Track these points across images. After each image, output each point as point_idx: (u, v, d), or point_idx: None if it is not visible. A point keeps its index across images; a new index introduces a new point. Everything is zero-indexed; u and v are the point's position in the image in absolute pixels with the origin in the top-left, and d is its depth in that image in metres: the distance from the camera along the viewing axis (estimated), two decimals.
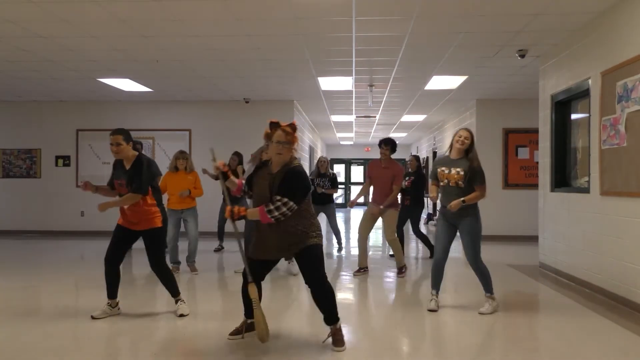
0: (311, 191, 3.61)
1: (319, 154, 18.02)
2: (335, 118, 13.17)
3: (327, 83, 8.58)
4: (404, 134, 17.28)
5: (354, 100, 10.29)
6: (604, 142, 5.01)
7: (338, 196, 7.95)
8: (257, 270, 3.60)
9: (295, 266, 6.06)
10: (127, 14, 5.22)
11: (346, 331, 3.82)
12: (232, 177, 3.70)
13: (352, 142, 21.02)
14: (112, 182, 4.35)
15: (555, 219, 6.33)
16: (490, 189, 7.37)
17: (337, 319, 3.55)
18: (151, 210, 4.25)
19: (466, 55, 6.77)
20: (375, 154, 6.34)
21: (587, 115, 5.50)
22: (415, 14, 5.22)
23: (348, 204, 6.39)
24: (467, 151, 4.44)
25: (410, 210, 7.56)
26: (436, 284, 4.62)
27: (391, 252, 7.97)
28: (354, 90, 9.18)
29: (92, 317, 4.19)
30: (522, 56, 6.59)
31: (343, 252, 8.25)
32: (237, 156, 7.92)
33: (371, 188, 6.30)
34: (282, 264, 6.06)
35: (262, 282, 3.71)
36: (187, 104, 10.53)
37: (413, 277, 6.39)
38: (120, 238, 4.30)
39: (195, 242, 6.40)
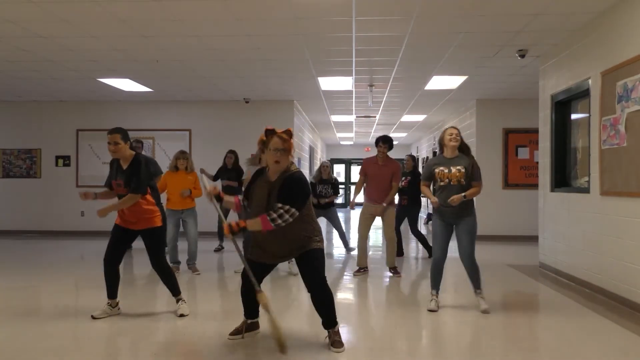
0: (313, 199, 3.60)
1: (319, 154, 18.03)
2: (335, 118, 13.17)
3: (327, 83, 8.58)
4: (404, 134, 17.28)
5: (354, 100, 10.30)
6: (604, 142, 5.01)
7: (338, 196, 7.92)
8: (256, 271, 3.59)
9: (295, 266, 6.06)
10: (127, 14, 5.22)
11: (346, 331, 3.83)
12: (227, 197, 3.62)
13: (352, 142, 21.03)
14: (109, 182, 4.32)
15: (555, 219, 6.33)
16: (490, 189, 7.45)
17: (336, 323, 3.55)
18: (150, 209, 4.25)
19: (466, 55, 6.77)
20: (375, 154, 6.31)
21: (587, 115, 5.50)
22: (415, 14, 5.22)
23: (349, 205, 6.36)
24: (460, 148, 4.50)
25: (408, 210, 7.56)
26: (436, 284, 4.62)
27: None
28: (354, 90, 9.18)
29: (92, 317, 4.19)
30: (522, 56, 6.59)
31: (344, 252, 8.24)
32: (233, 154, 7.91)
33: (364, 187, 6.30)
34: (282, 264, 6.06)
35: (261, 284, 3.71)
36: (187, 104, 10.54)
37: (412, 277, 6.39)
38: (118, 238, 4.30)
39: (195, 244, 6.39)
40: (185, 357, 3.53)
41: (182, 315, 4.27)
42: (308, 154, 14.05)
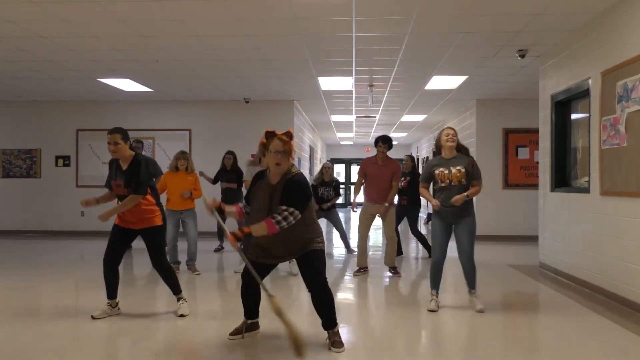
0: (314, 205, 3.59)
1: (319, 154, 18.03)
2: (335, 118, 13.17)
3: (327, 83, 8.58)
4: (404, 134, 17.28)
5: (354, 100, 10.30)
6: (604, 142, 5.01)
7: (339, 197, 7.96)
8: (257, 271, 3.59)
9: (295, 266, 6.06)
10: (127, 14, 5.22)
11: (346, 331, 3.83)
12: (228, 208, 3.59)
13: (352, 142, 21.03)
14: (109, 183, 4.30)
15: (555, 219, 6.33)
16: (490, 189, 7.46)
17: (336, 324, 3.55)
18: (150, 209, 4.25)
19: (466, 55, 6.77)
20: (375, 154, 6.30)
21: (587, 115, 5.50)
22: (415, 14, 5.22)
23: (351, 207, 6.33)
24: (457, 148, 4.52)
25: (408, 210, 7.56)
26: (436, 284, 4.62)
27: None
28: (354, 90, 9.18)
29: (92, 317, 4.18)
30: (522, 56, 6.59)
31: (344, 252, 8.24)
32: (232, 155, 7.90)
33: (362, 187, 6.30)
34: (283, 264, 6.05)
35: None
36: (187, 104, 10.54)
37: (412, 277, 6.39)
38: (118, 238, 4.29)
39: (194, 244, 6.39)
40: (185, 357, 3.53)
41: (182, 316, 4.27)
42: (308, 154, 14.05)
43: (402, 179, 7.36)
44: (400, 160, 7.75)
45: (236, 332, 3.72)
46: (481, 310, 4.43)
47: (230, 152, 7.94)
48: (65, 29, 5.69)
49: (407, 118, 12.96)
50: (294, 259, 3.56)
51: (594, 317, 4.41)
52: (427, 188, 4.66)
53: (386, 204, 6.08)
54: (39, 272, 6.53)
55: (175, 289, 4.40)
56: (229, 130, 10.42)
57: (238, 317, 3.91)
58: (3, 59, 7.11)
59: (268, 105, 10.35)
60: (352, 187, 7.51)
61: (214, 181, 7.91)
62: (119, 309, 4.37)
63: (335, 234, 10.63)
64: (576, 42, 5.73)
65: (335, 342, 3.46)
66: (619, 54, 4.77)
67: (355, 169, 23.26)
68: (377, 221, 6.54)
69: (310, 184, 7.48)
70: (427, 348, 3.79)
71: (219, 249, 8.23)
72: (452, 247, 4.59)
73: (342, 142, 21.20)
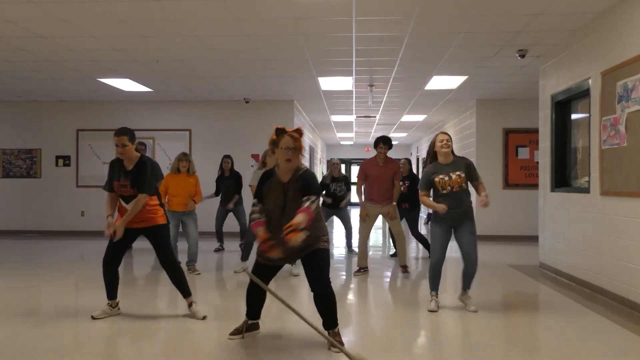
0: (327, 199, 3.60)
1: (319, 154, 18.03)
2: (335, 118, 13.17)
3: (327, 83, 8.58)
4: (404, 134, 17.28)
5: (354, 100, 10.30)
6: (604, 142, 5.01)
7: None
8: (265, 274, 3.59)
9: (296, 267, 6.06)
10: (127, 14, 5.22)
11: (346, 331, 3.82)
12: (262, 252, 3.47)
13: (352, 142, 21.03)
14: (110, 184, 4.25)
15: (556, 219, 6.33)
16: (490, 189, 7.43)
17: (336, 324, 3.55)
18: (155, 208, 4.24)
19: (466, 55, 6.77)
20: (375, 154, 6.30)
21: (587, 115, 5.50)
22: (415, 14, 5.22)
23: (360, 216, 6.28)
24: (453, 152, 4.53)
25: (408, 212, 7.56)
26: (435, 285, 4.62)
27: (391, 252, 8.00)
28: (354, 90, 9.18)
29: (92, 317, 4.18)
30: (522, 56, 6.59)
31: (344, 252, 8.24)
32: (230, 159, 7.89)
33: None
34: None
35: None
36: (187, 104, 10.54)
37: (413, 277, 6.38)
38: (120, 240, 4.25)
39: (195, 245, 6.38)
40: (185, 357, 3.52)
41: (204, 317, 4.18)
42: (308, 154, 14.05)
43: (401, 183, 7.36)
44: (398, 159, 7.74)
45: (236, 332, 3.72)
46: (474, 311, 4.44)
47: (228, 156, 7.90)
48: (65, 29, 5.69)
49: (407, 118, 12.96)
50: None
51: (594, 317, 4.41)
52: (428, 196, 4.60)
53: (394, 203, 6.12)
54: (39, 272, 6.53)
55: (185, 291, 4.32)
56: (229, 130, 10.42)
57: (238, 317, 3.91)
58: (3, 59, 7.11)
59: (268, 105, 10.35)
60: (353, 187, 7.51)
61: (216, 192, 7.89)
62: (119, 309, 4.36)
63: (336, 234, 10.64)
64: (576, 42, 5.73)
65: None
66: (619, 54, 4.77)
67: (355, 169, 23.27)
68: (377, 221, 6.52)
69: (321, 182, 7.51)
70: (427, 348, 3.79)
71: (219, 249, 8.23)
72: (450, 248, 4.59)
73: (342, 142, 21.20)
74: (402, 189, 7.19)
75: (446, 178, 4.40)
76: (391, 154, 6.35)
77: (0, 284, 5.74)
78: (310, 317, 4.21)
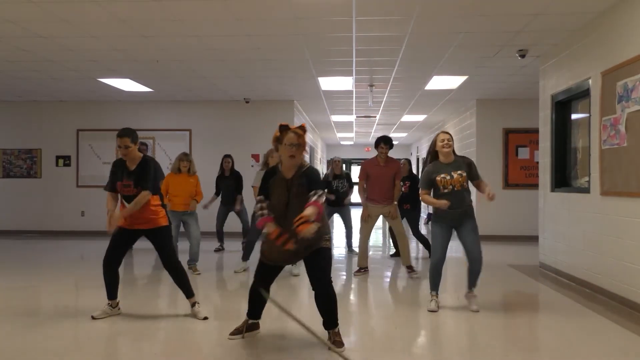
0: (330, 196, 3.60)
1: (319, 154, 18.03)
2: (335, 118, 13.17)
3: (327, 83, 8.58)
4: (404, 134, 17.28)
5: (354, 100, 10.30)
6: (604, 142, 5.01)
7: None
8: (269, 274, 3.61)
9: (296, 267, 6.06)
10: (127, 14, 5.22)
11: (346, 331, 3.82)
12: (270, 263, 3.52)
13: (352, 142, 21.03)
14: (113, 184, 4.24)
15: (556, 219, 6.33)
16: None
17: (337, 324, 3.55)
18: (157, 209, 4.24)
19: (466, 55, 6.77)
20: (375, 154, 6.30)
21: (588, 115, 5.50)
22: (415, 14, 5.22)
23: (362, 218, 6.26)
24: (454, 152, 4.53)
25: (409, 213, 7.56)
26: (435, 285, 4.62)
27: (391, 253, 8.00)
28: (354, 90, 9.18)
29: (93, 318, 4.18)
30: (522, 56, 6.59)
31: (344, 252, 8.24)
32: (230, 158, 7.91)
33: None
34: None
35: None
36: (187, 104, 10.54)
37: (413, 277, 6.38)
38: (120, 240, 4.26)
39: (197, 244, 6.38)
40: (186, 357, 3.53)
41: (205, 318, 4.18)
42: (308, 154, 14.05)
43: (402, 183, 7.36)
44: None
45: (237, 331, 3.72)
46: (476, 310, 4.45)
47: (228, 156, 7.93)
48: (65, 29, 5.69)
49: (407, 118, 12.96)
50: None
51: (594, 317, 4.41)
52: (429, 194, 4.60)
53: (395, 203, 6.12)
54: (39, 272, 6.53)
55: (188, 292, 4.33)
56: (229, 130, 10.42)
57: (238, 317, 3.91)
58: (3, 59, 7.11)
59: (268, 105, 10.35)
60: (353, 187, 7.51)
61: (217, 192, 7.90)
62: (119, 309, 4.36)
63: (336, 233, 10.64)
64: (576, 42, 5.73)
65: (335, 342, 3.46)
66: (619, 54, 4.77)
67: (355, 169, 23.26)
68: (377, 222, 6.52)
69: (323, 179, 7.52)
70: (427, 348, 3.79)
71: (219, 249, 8.23)
72: (451, 248, 4.59)
73: (342, 142, 21.20)
74: (402, 189, 7.19)
75: (447, 177, 4.40)
76: (391, 154, 6.34)
77: (0, 284, 5.74)
78: (310, 316, 4.22)
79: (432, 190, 4.55)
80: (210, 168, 8.79)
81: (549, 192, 6.55)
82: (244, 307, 3.78)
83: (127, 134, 4.13)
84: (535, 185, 7.99)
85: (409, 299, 5.35)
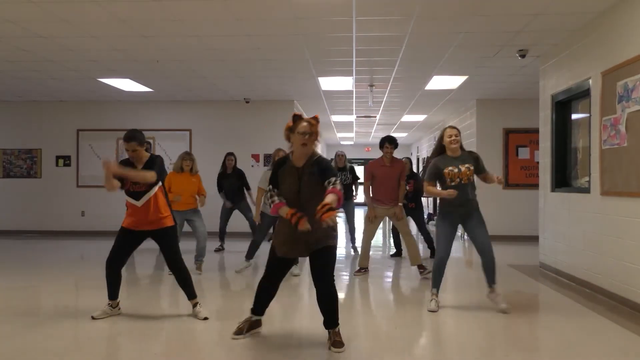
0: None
1: (319, 153, 18.01)
2: (335, 118, 13.17)
3: (327, 83, 8.58)
4: (404, 134, 17.28)
5: (354, 100, 10.29)
6: (605, 142, 5.01)
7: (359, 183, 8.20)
8: (279, 270, 3.63)
9: (296, 267, 6.05)
10: (127, 14, 5.22)
11: (346, 331, 3.82)
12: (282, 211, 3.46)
13: (352, 142, 21.03)
14: (123, 180, 4.14)
15: (556, 219, 6.33)
16: (490, 189, 7.47)
17: (337, 323, 3.55)
18: (164, 208, 4.23)
19: (466, 55, 6.77)
20: (375, 154, 6.30)
21: (588, 115, 5.50)
22: (415, 14, 5.21)
23: (369, 218, 6.24)
24: (461, 147, 4.57)
25: (413, 212, 7.57)
26: (437, 282, 4.62)
27: (391, 253, 7.99)
28: (354, 90, 9.17)
29: (93, 318, 4.18)
30: (523, 56, 6.59)
31: (344, 252, 8.24)
32: (233, 156, 7.94)
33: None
34: None
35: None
36: (187, 104, 10.54)
37: (413, 278, 6.37)
38: (125, 241, 4.24)
39: (204, 240, 6.38)
40: (186, 357, 3.52)
41: (205, 319, 4.18)
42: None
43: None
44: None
45: (239, 331, 3.72)
46: (505, 311, 4.40)
47: (231, 154, 7.98)
48: (65, 29, 5.69)
49: (407, 118, 12.96)
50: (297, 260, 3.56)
51: (594, 317, 4.41)
52: (434, 186, 4.61)
53: (400, 204, 6.11)
54: (39, 272, 6.53)
55: (190, 294, 4.33)
56: (229, 130, 10.42)
57: (239, 317, 3.91)
58: (3, 59, 7.11)
59: (268, 105, 10.35)
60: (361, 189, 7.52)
61: (219, 189, 7.91)
62: (119, 309, 4.36)
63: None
64: (576, 42, 5.73)
65: (335, 342, 3.46)
66: (619, 54, 4.77)
67: (355, 170, 23.21)
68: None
69: None
70: (427, 348, 3.79)
71: (220, 249, 8.23)
72: (453, 248, 4.58)
73: (342, 142, 21.19)
74: (407, 187, 7.19)
75: (455, 170, 4.44)
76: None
77: (0, 284, 5.74)
78: (310, 317, 4.22)
79: (437, 183, 4.58)
80: (210, 168, 8.78)
81: (549, 192, 6.55)
82: (245, 307, 3.78)
83: (133, 138, 4.08)
84: (535, 185, 7.99)
85: (409, 299, 5.35)
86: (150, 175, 4.04)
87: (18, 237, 10.25)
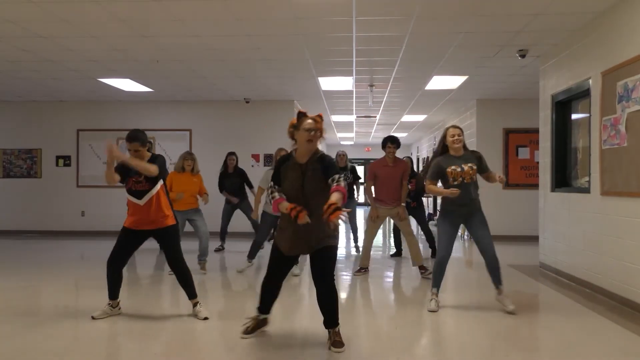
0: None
1: (321, 151, 18.01)
2: (335, 118, 13.16)
3: (328, 83, 8.58)
4: (404, 134, 17.27)
5: (354, 100, 10.29)
6: (605, 142, 5.01)
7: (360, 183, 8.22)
8: (281, 268, 3.64)
9: (296, 267, 6.05)
10: (127, 14, 5.22)
11: (346, 331, 3.82)
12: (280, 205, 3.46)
13: (352, 142, 21.02)
14: (123, 170, 4.14)
15: (556, 219, 6.33)
16: (490, 189, 7.49)
17: (337, 323, 3.56)
18: (167, 208, 4.24)
19: (466, 55, 6.77)
20: (375, 154, 6.30)
21: (588, 115, 5.50)
22: (415, 14, 5.21)
23: (371, 218, 6.23)
24: (464, 146, 4.57)
25: (415, 210, 7.57)
26: (437, 282, 4.63)
27: (391, 253, 8.00)
28: (354, 90, 9.17)
29: (93, 318, 4.18)
30: (523, 56, 6.59)
31: (344, 252, 8.24)
32: (235, 156, 7.95)
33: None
34: None
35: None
36: (187, 104, 10.54)
37: (413, 277, 6.38)
38: (127, 242, 4.24)
39: (206, 240, 6.39)
40: (186, 357, 3.53)
41: (205, 319, 4.18)
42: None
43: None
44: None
45: (247, 330, 3.73)
46: (512, 312, 4.39)
47: (232, 153, 7.99)
48: (65, 29, 5.69)
49: (407, 118, 12.95)
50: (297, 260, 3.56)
51: (594, 317, 4.41)
52: (436, 185, 4.61)
53: (403, 204, 6.11)
54: (39, 272, 6.53)
55: (191, 294, 4.33)
56: (229, 130, 10.42)
57: (240, 317, 3.91)
58: (3, 59, 7.11)
59: (268, 105, 10.35)
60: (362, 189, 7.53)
61: (220, 189, 7.91)
62: (119, 309, 4.36)
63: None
64: (576, 42, 5.73)
65: (335, 342, 3.46)
66: (619, 54, 4.77)
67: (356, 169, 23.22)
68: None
69: None
70: (427, 348, 3.79)
71: (220, 249, 8.23)
72: (454, 247, 4.59)
73: (342, 142, 21.19)
74: (410, 187, 7.19)
75: (458, 169, 4.44)
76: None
77: (0, 284, 5.74)
78: (310, 317, 4.22)
79: (439, 182, 4.58)
80: (210, 168, 8.79)
81: (549, 192, 6.55)
82: (247, 307, 3.79)
83: (135, 139, 4.07)
84: (535, 185, 7.99)
85: (409, 299, 5.35)
86: (153, 168, 4.04)
87: (18, 237, 10.25)
